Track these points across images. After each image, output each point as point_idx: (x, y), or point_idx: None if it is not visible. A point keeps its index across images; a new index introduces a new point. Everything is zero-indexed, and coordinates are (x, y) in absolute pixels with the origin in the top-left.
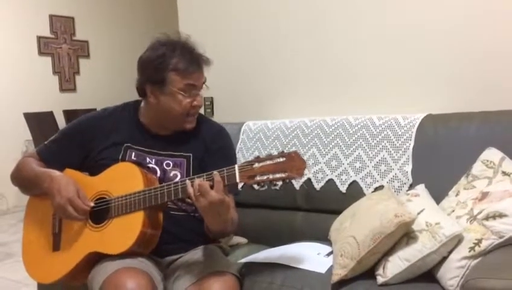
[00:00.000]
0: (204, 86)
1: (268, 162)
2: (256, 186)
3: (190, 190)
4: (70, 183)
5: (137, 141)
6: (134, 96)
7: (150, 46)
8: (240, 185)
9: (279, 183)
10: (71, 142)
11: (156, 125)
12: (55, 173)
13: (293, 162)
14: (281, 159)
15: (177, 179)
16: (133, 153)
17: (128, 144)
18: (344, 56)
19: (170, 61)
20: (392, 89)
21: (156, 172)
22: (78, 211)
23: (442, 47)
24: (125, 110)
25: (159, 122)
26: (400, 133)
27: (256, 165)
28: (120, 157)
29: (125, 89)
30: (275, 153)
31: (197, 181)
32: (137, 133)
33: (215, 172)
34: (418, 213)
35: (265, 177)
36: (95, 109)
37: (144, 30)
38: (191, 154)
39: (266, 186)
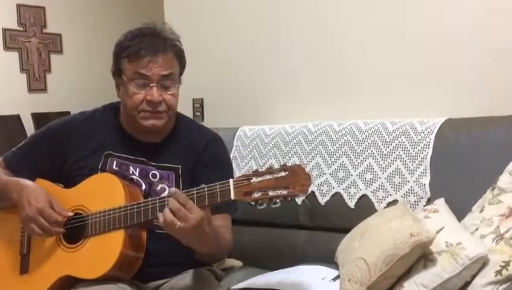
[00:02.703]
0: (170, 79)
1: (268, 176)
2: (253, 203)
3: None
4: (43, 193)
5: (120, 148)
6: (115, 97)
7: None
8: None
9: (280, 201)
10: (43, 149)
11: (134, 128)
12: (26, 182)
13: (297, 177)
14: (283, 174)
15: (165, 193)
16: (115, 162)
17: (109, 152)
18: (353, 52)
19: (125, 46)
20: (408, 90)
21: (140, 185)
22: (50, 222)
23: (463, 44)
24: (105, 114)
25: (132, 124)
26: (416, 140)
27: (254, 180)
28: (99, 166)
29: (105, 90)
30: (275, 164)
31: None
32: (119, 139)
33: (203, 186)
34: (437, 232)
35: (264, 194)
36: (68, 112)
37: (125, 22)
38: (180, 166)
39: (265, 205)
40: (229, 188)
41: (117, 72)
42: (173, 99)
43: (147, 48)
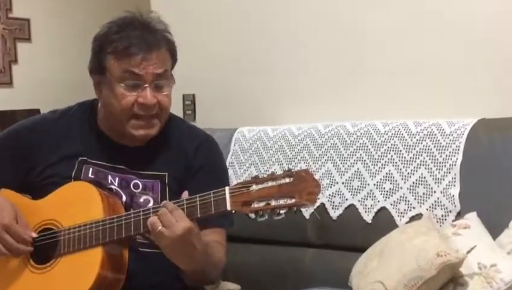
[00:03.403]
0: (164, 78)
1: (270, 183)
2: (252, 215)
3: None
4: (8, 206)
5: (96, 154)
6: (92, 93)
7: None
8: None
9: (284, 212)
10: (6, 155)
11: (114, 131)
12: None
13: (304, 183)
14: (287, 180)
15: (150, 205)
16: (91, 170)
17: (84, 158)
18: (370, 43)
19: (111, 41)
20: (434, 86)
21: (120, 196)
22: (17, 240)
23: (497, 34)
24: (79, 113)
25: (114, 128)
26: (443, 144)
27: (254, 187)
28: (73, 175)
29: (81, 85)
30: (279, 170)
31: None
32: (95, 143)
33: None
34: (468, 251)
35: (265, 204)
36: (38, 111)
37: (105, 7)
38: (167, 174)
39: (266, 217)
40: (225, 197)
41: (99, 70)
42: (167, 100)
43: (138, 43)
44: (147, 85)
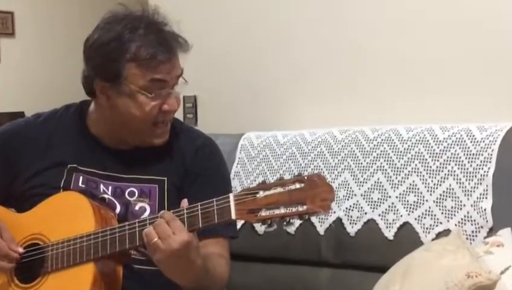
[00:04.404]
0: (180, 80)
1: (278, 189)
2: (260, 227)
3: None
4: None
5: (87, 160)
6: (82, 95)
7: (102, 23)
8: (238, 224)
9: (295, 222)
10: None
11: (112, 137)
12: None
13: (316, 189)
14: (298, 186)
15: (146, 214)
16: (81, 178)
17: (74, 165)
18: (391, 39)
19: (128, 46)
20: (463, 87)
21: (114, 206)
22: (0, 256)
23: None
24: (67, 116)
25: (115, 134)
26: (474, 151)
27: (261, 194)
28: (62, 184)
29: (68, 84)
30: (288, 177)
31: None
32: (85, 148)
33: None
34: (502, 272)
35: (274, 212)
36: (22, 114)
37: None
38: (166, 179)
39: (275, 226)
40: (229, 205)
41: (110, 77)
42: (180, 100)
43: (163, 48)
44: (171, 91)
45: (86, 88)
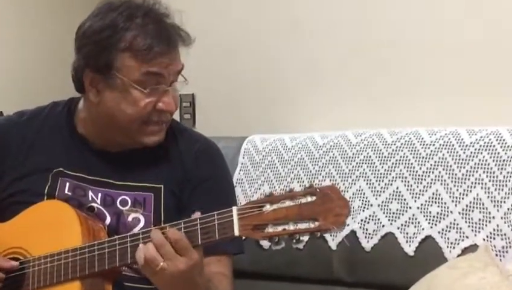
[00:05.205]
0: (179, 78)
1: (287, 202)
2: (267, 243)
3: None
4: None
5: (75, 164)
6: (71, 91)
7: (96, 9)
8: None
9: (305, 238)
10: None
11: (101, 137)
12: None
13: (329, 203)
14: (309, 199)
15: (140, 226)
16: (67, 184)
17: (60, 169)
18: (411, 35)
19: (123, 34)
20: (491, 87)
21: (103, 217)
22: None
23: None
24: (53, 114)
25: (104, 134)
26: (505, 157)
27: (268, 207)
28: (45, 191)
29: (55, 80)
30: (298, 188)
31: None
32: (73, 150)
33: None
34: None
35: (282, 228)
36: (1, 113)
37: None
38: (163, 186)
39: (283, 244)
40: (232, 220)
41: (100, 67)
42: (178, 100)
43: (162, 39)
44: (168, 88)
45: (75, 82)
